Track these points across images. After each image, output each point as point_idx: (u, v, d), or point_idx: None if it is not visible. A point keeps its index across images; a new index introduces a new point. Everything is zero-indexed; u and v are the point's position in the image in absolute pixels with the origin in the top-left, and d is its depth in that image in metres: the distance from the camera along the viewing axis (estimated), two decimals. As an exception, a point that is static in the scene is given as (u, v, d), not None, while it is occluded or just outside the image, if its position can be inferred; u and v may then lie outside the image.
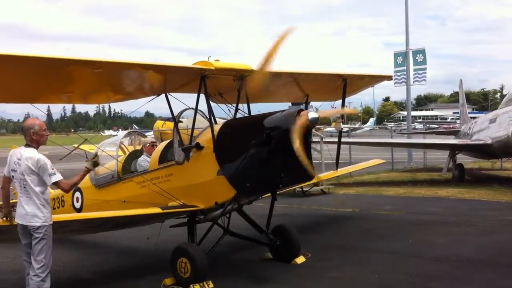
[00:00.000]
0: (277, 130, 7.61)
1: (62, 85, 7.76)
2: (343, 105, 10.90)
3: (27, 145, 6.64)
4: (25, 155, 6.50)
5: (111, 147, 10.46)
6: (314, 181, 10.51)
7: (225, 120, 8.99)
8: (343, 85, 10.49)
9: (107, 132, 72.01)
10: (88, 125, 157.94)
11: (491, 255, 9.15)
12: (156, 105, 8.84)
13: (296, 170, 7.92)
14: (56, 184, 6.67)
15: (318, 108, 11.20)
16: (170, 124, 13.56)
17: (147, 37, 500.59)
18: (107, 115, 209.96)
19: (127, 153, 10.49)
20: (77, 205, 10.48)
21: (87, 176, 10.34)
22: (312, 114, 7.49)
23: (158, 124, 14.25)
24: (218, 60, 8.51)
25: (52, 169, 6.52)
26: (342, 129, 10.82)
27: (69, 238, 10.82)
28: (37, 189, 6.48)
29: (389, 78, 12.30)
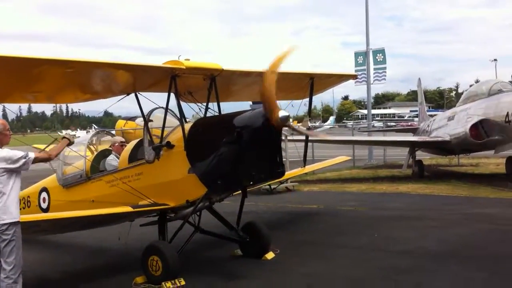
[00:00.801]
0: (248, 128, 7.73)
1: (31, 85, 7.70)
2: (310, 103, 11.09)
3: None
4: None
5: (78, 147, 10.37)
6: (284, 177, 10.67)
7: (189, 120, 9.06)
8: (310, 83, 10.68)
9: (64, 132, 70.61)
10: (45, 125, 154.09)
11: (453, 248, 9.47)
12: (116, 104, 8.86)
13: (266, 168, 8.10)
14: (37, 160, 6.64)
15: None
16: (132, 124, 13.55)
17: (103, 36, 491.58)
18: (64, 114, 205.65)
19: (94, 152, 10.42)
20: (44, 205, 10.36)
21: (54, 176, 10.31)
22: (282, 113, 7.61)
23: (120, 123, 14.14)
24: (188, 60, 8.56)
25: (23, 152, 6.52)
26: (310, 127, 11.00)
27: (36, 238, 10.67)
28: (8, 187, 6.41)
29: (354, 77, 12.60)
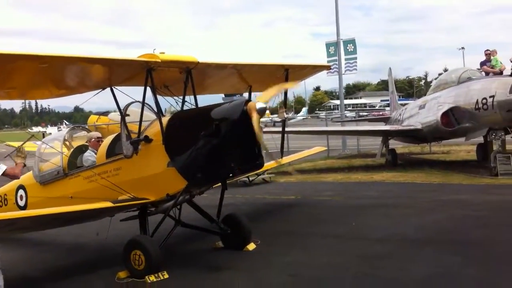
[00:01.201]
0: (226, 121, 7.75)
1: (4, 81, 7.59)
2: (285, 94, 11.11)
3: None
4: None
5: (53, 143, 10.24)
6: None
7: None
8: (285, 75, 10.71)
9: (35, 129, 69.68)
10: (15, 122, 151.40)
11: (431, 234, 9.64)
12: (85, 99, 8.77)
13: (246, 160, 8.14)
14: (4, 174, 6.62)
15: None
16: (105, 119, 13.43)
17: (76, 31, 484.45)
18: (34, 111, 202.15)
19: (69, 149, 10.30)
20: (21, 203, 10.23)
21: (31, 173, 10.18)
22: (259, 104, 7.67)
23: (93, 119, 14.01)
24: (163, 53, 8.52)
25: None
26: (286, 118, 11.05)
27: (13, 236, 10.53)
28: None
29: (328, 67, 12.66)
